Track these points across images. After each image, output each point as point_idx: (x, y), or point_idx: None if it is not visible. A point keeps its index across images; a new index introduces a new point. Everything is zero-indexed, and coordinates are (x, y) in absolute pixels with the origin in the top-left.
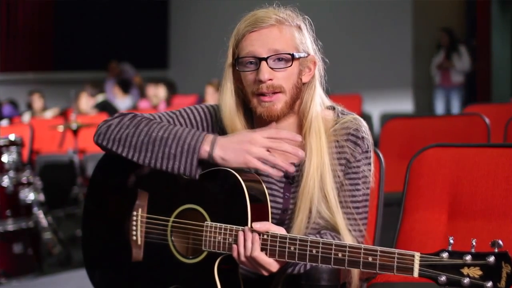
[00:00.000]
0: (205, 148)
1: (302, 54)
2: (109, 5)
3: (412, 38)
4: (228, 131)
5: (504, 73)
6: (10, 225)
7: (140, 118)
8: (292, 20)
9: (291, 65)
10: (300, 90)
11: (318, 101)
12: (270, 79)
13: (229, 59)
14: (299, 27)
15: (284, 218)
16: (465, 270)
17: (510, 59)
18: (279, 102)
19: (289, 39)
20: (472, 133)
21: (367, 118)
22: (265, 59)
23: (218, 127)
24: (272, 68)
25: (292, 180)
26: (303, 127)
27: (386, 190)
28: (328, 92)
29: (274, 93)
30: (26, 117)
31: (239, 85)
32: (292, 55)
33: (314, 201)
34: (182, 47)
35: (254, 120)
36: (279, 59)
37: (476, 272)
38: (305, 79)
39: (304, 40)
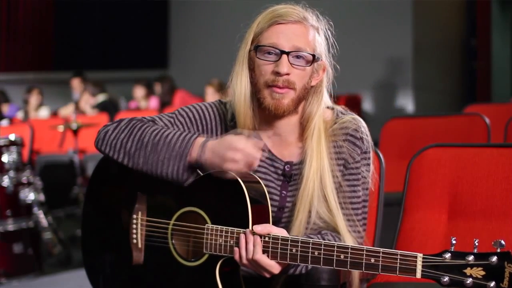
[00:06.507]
0: (193, 154)
1: (319, 57)
2: (109, 5)
3: (412, 38)
4: (238, 116)
5: (504, 73)
6: (10, 225)
7: (135, 122)
8: (315, 22)
9: (310, 65)
10: (307, 92)
11: (323, 107)
12: (288, 74)
13: (248, 45)
14: (318, 31)
15: (281, 216)
16: (468, 271)
17: (510, 59)
18: (288, 97)
19: (311, 40)
20: (472, 133)
21: (367, 118)
22: (287, 53)
23: (224, 124)
24: (291, 64)
25: (289, 179)
26: (305, 129)
27: (386, 190)
28: (333, 97)
29: (287, 88)
30: (20, 114)
31: (252, 73)
32: (314, 56)
33: (314, 202)
34: (182, 47)
35: (256, 113)
36: (298, 57)
37: (479, 272)
38: (313, 82)
39: (321, 44)
